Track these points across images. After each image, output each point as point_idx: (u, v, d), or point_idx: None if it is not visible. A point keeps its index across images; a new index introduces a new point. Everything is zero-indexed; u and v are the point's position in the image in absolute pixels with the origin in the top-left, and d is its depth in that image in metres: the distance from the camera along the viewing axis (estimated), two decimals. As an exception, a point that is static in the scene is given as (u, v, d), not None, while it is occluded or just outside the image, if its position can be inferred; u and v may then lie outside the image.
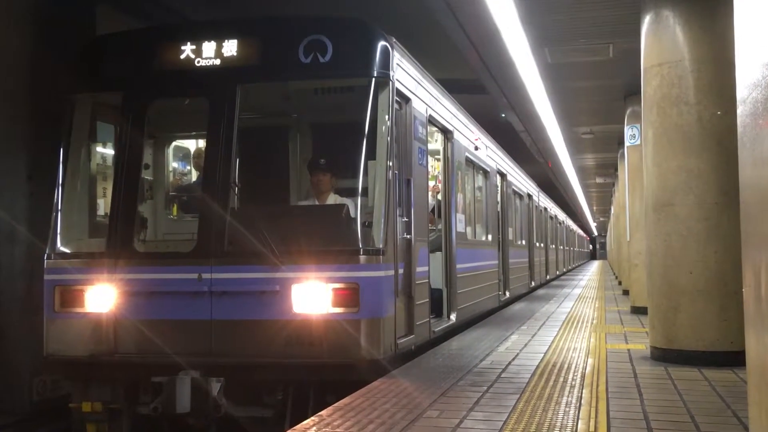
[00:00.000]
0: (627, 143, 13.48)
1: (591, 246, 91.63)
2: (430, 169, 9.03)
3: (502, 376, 6.52)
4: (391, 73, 6.82)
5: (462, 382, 6.23)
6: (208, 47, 6.85)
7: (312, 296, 6.30)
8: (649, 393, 5.76)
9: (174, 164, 8.91)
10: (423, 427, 4.71)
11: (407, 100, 7.49)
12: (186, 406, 6.11)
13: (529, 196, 19.89)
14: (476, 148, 11.58)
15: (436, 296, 8.90)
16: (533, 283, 20.03)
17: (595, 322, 11.44)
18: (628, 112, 13.47)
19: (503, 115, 14.03)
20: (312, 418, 5.01)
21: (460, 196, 10.26)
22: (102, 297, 6.67)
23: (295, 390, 6.29)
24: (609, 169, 25.54)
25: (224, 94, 6.74)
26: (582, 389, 5.87)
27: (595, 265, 56.09)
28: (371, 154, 6.60)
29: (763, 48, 2.82)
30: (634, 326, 10.80)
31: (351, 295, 6.28)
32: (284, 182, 8.56)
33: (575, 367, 6.97)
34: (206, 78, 6.83)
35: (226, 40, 6.82)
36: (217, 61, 6.82)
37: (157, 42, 7.15)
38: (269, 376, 6.31)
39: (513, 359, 7.48)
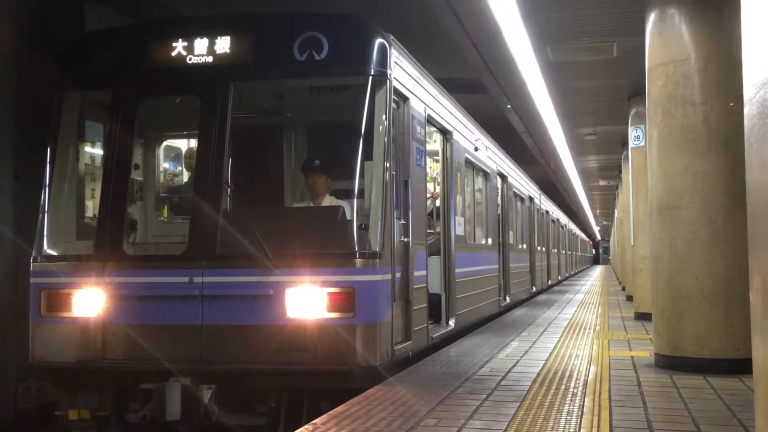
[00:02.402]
0: (631, 144, 13.41)
1: (594, 250, 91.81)
2: (428, 170, 8.93)
3: (502, 383, 6.44)
4: (389, 71, 6.74)
5: (460, 389, 6.16)
6: (200, 44, 6.75)
7: (306, 301, 6.21)
8: (654, 401, 5.69)
9: (165, 164, 8.82)
10: (419, 437, 4.63)
11: (405, 99, 7.40)
12: (176, 413, 6.02)
13: (531, 198, 19.84)
14: (476, 149, 11.51)
15: (434, 301, 8.83)
16: (534, 289, 20.01)
17: (597, 328, 11.39)
18: (632, 112, 13.42)
19: (509, 106, 13.98)
20: (306, 426, 4.94)
21: (459, 199, 10.16)
22: (90, 301, 6.56)
23: (288, 397, 6.19)
24: (612, 171, 25.56)
25: (216, 93, 6.65)
26: (584, 397, 5.79)
27: (598, 270, 56.31)
28: (368, 155, 6.52)
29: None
30: (638, 333, 10.75)
31: (346, 300, 6.20)
32: (278, 183, 8.50)
33: (577, 374, 6.89)
34: (198, 75, 6.73)
35: (218, 37, 6.73)
36: (210, 59, 6.73)
37: (147, 38, 7.04)
38: (262, 383, 6.21)
39: (513, 366, 7.40)
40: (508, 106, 14.23)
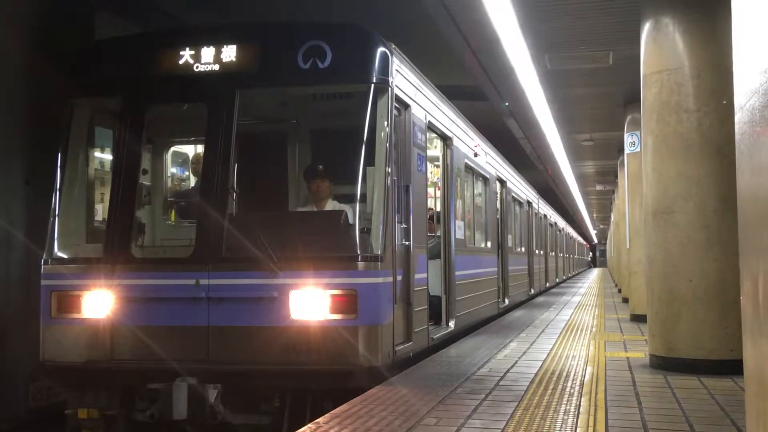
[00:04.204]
0: (627, 150, 13.48)
1: (591, 253, 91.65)
2: (429, 175, 9.02)
3: (501, 383, 6.50)
4: (391, 79, 6.82)
5: (460, 389, 6.22)
6: (207, 52, 6.84)
7: (310, 303, 6.28)
8: (648, 401, 5.74)
9: (172, 169, 8.90)
10: (420, 435, 4.69)
11: (406, 106, 7.48)
12: (183, 413, 6.09)
13: (529, 203, 19.89)
14: (476, 155, 11.58)
15: (434, 303, 8.88)
16: (532, 291, 20.01)
17: (594, 330, 11.42)
18: (627, 119, 13.47)
19: (506, 104, 14.04)
20: (309, 425, 4.99)
21: (459, 203, 10.24)
22: (99, 303, 6.64)
23: (292, 397, 6.26)
24: (609, 176, 25.58)
25: (223, 100, 6.73)
26: (580, 397, 5.84)
27: (594, 273, 56.05)
28: (370, 161, 6.59)
29: (761, 55, 2.80)
30: (634, 334, 10.78)
31: (349, 302, 6.26)
32: (283, 188, 8.55)
33: (574, 375, 6.95)
34: (205, 83, 6.82)
35: (225, 46, 6.82)
36: (216, 67, 6.81)
37: (155, 47, 7.13)
38: (266, 383, 6.29)
39: (511, 367, 7.45)
40: (506, 104, 14.27)
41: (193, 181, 8.76)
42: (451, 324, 9.38)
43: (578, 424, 4.93)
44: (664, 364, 7.20)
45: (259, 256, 6.34)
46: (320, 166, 7.61)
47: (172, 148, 8.81)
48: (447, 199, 9.49)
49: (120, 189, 6.88)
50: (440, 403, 5.61)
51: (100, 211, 7.77)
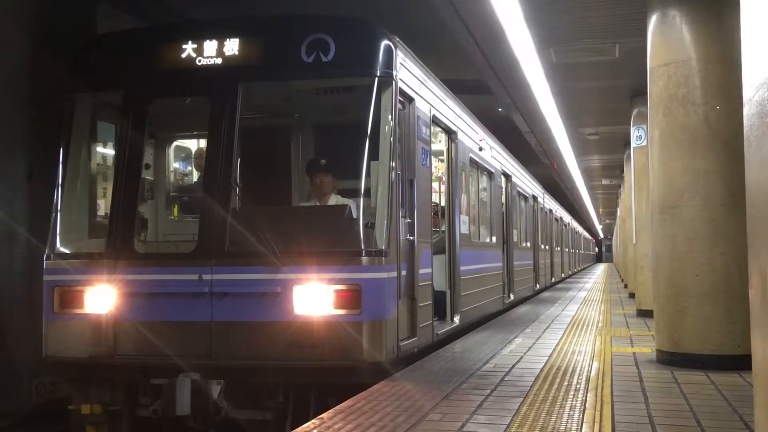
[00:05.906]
0: (633, 144, 13.44)
1: (597, 248, 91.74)
2: (433, 170, 8.99)
3: (506, 379, 6.50)
4: (395, 72, 6.80)
5: (465, 385, 6.22)
6: (210, 46, 6.83)
7: (313, 298, 6.28)
8: (655, 397, 5.73)
9: (175, 164, 8.90)
10: (425, 430, 4.69)
11: (411, 100, 7.46)
12: (186, 408, 6.11)
13: (534, 197, 19.89)
14: (480, 149, 11.57)
15: (439, 298, 8.89)
16: (538, 286, 20.04)
17: (600, 325, 11.43)
18: (634, 112, 13.45)
19: (500, 109, 14.05)
20: (313, 420, 5.00)
21: (464, 198, 10.23)
22: (102, 298, 6.65)
23: (296, 392, 6.27)
24: (615, 170, 25.56)
25: (226, 94, 6.73)
26: (587, 393, 5.84)
27: (600, 268, 56.13)
28: (374, 155, 6.58)
29: (770, 47, 2.78)
30: (640, 329, 10.78)
31: (353, 297, 6.26)
32: (286, 183, 8.55)
33: (580, 370, 6.95)
34: (208, 77, 6.81)
35: (227, 39, 6.82)
36: (219, 60, 6.81)
37: (158, 41, 7.14)
38: (270, 379, 6.29)
39: (517, 362, 7.45)
40: (500, 110, 14.28)
41: (195, 176, 8.77)
42: (456, 319, 9.38)
43: (584, 420, 4.93)
44: (670, 359, 7.19)
45: (263, 251, 6.33)
46: (323, 161, 7.62)
47: (175, 143, 8.80)
48: (452, 194, 9.48)
49: (122, 184, 6.89)
50: (445, 399, 5.61)
51: (103, 206, 7.79)
